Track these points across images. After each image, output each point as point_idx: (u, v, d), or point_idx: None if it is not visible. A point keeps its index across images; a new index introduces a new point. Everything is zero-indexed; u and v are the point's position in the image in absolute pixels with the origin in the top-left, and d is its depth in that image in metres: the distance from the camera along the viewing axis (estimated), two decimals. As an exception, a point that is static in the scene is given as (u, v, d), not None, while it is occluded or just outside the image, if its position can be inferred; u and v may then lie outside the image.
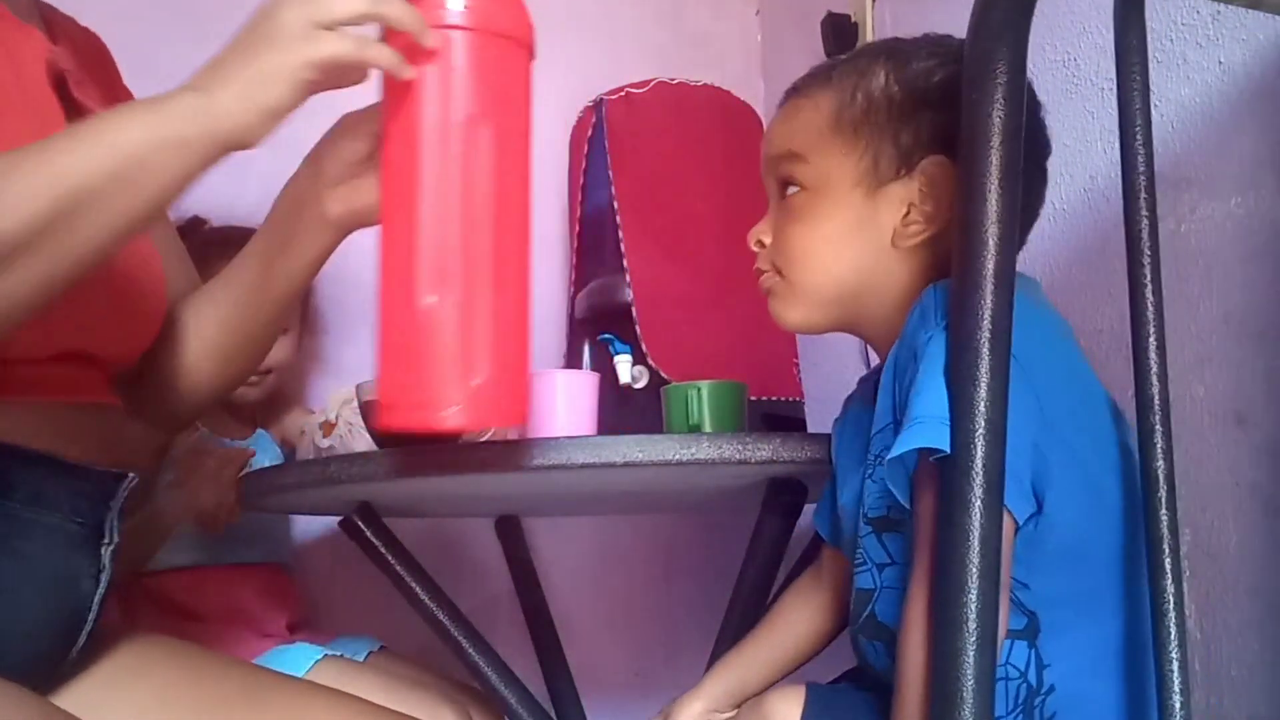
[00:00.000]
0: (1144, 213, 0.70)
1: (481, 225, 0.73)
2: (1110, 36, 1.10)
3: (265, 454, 1.48)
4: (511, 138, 0.78)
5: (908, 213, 0.79)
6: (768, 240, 0.85)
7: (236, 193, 1.48)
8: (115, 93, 0.92)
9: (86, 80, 0.86)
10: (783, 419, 1.44)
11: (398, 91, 0.73)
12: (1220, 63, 0.95)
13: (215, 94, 0.67)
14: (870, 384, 0.91)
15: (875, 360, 0.88)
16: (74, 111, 0.83)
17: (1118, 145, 1.08)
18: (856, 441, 0.87)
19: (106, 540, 0.80)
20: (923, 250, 0.79)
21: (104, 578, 0.80)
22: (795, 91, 0.86)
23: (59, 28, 0.87)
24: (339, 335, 1.72)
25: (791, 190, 0.83)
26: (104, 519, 0.80)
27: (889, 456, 0.67)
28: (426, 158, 0.71)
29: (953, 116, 0.76)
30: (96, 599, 0.79)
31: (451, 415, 0.70)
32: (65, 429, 0.78)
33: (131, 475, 0.84)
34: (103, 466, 0.81)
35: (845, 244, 0.80)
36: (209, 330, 0.91)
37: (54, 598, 0.76)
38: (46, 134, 0.74)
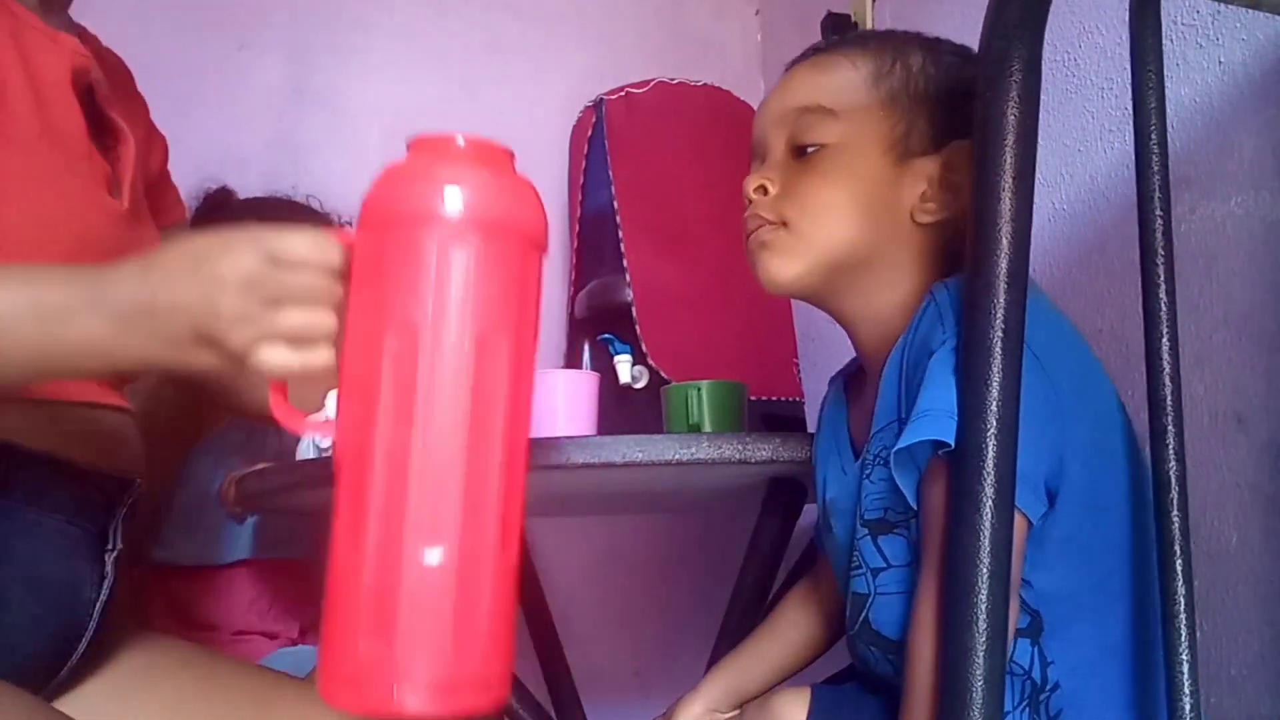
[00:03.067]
0: (1158, 213, 0.69)
1: (489, 464, 0.60)
2: (1111, 37, 1.10)
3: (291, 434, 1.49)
4: (522, 355, 0.64)
5: (926, 189, 0.77)
6: (774, 189, 0.79)
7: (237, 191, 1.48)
8: (137, 112, 0.92)
9: (114, 98, 0.86)
10: (783, 419, 1.44)
11: (373, 292, 0.61)
12: (1220, 63, 0.95)
13: (130, 326, 0.62)
14: (840, 380, 0.91)
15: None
16: (100, 123, 0.84)
17: (1118, 145, 1.09)
18: (835, 440, 0.87)
19: (110, 546, 0.80)
20: (932, 232, 0.78)
21: (106, 585, 0.79)
22: (824, 50, 0.82)
23: (90, 45, 0.88)
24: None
25: (811, 149, 0.79)
26: (108, 525, 0.80)
27: (896, 448, 0.67)
28: (422, 378, 0.59)
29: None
30: (98, 606, 0.78)
31: (432, 698, 0.58)
32: (70, 430, 0.77)
33: (137, 481, 0.83)
34: (108, 470, 0.80)
35: (866, 208, 0.77)
36: None
37: (52, 602, 0.75)
38: (58, 140, 0.74)
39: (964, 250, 0.77)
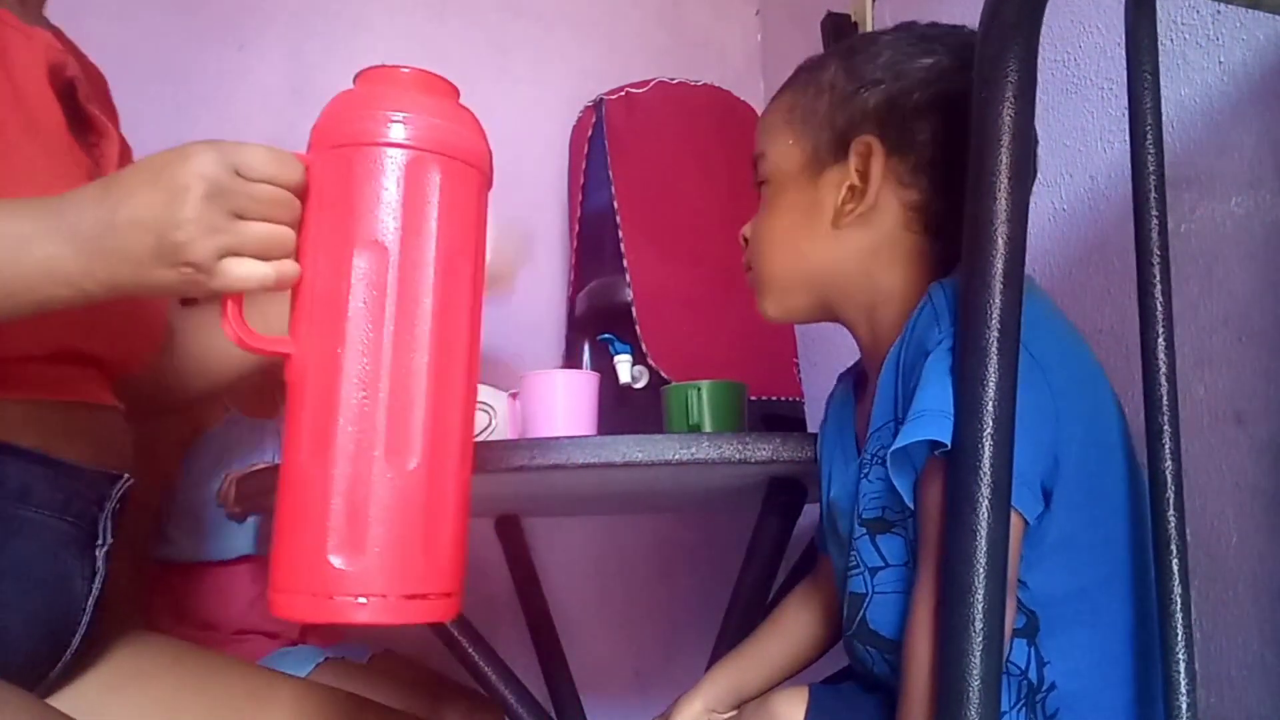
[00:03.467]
0: (1154, 213, 0.69)
1: (454, 380, 0.63)
2: (1110, 36, 1.10)
3: None
4: (477, 280, 0.66)
5: (849, 195, 0.80)
6: (749, 234, 0.88)
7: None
8: (114, 118, 0.92)
9: (93, 96, 0.86)
10: (783, 419, 1.44)
11: (333, 211, 0.62)
12: (1220, 63, 0.95)
13: (91, 248, 0.61)
14: (850, 378, 0.91)
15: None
16: (80, 120, 0.83)
17: (1118, 145, 1.09)
18: (841, 437, 0.87)
19: (100, 541, 0.80)
20: (862, 230, 0.80)
21: (98, 580, 0.79)
22: (773, 96, 0.89)
23: (66, 45, 0.88)
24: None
25: (763, 188, 0.86)
26: (97, 519, 0.79)
27: (892, 448, 0.67)
28: (393, 295, 0.60)
29: (890, 94, 0.78)
30: (90, 601, 0.78)
31: (401, 606, 0.59)
32: (58, 428, 0.77)
33: (126, 476, 0.83)
34: (95, 467, 0.80)
35: (797, 232, 0.83)
36: (192, 343, 0.91)
37: (42, 598, 0.75)
38: (39, 135, 0.73)
39: (943, 244, 0.78)
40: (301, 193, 0.62)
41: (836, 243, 0.81)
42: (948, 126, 0.77)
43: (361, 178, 0.60)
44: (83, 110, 0.84)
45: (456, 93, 0.66)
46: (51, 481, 0.76)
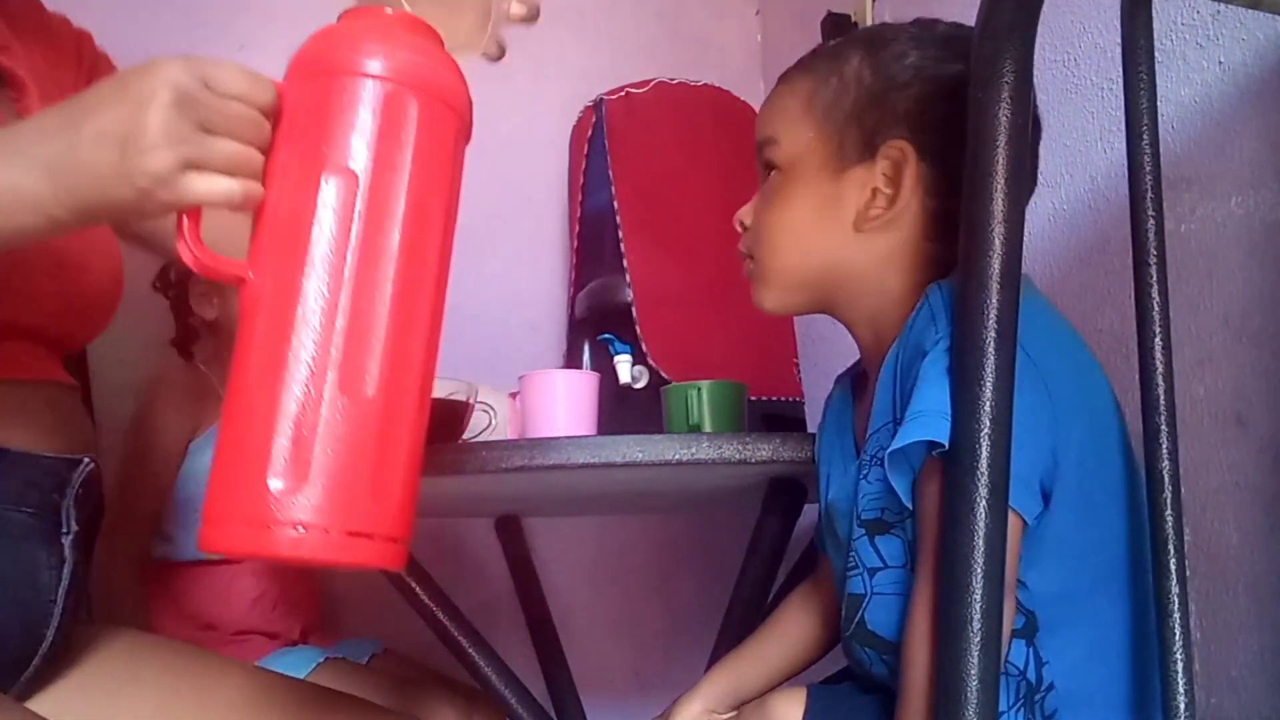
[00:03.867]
0: (1150, 213, 0.69)
1: (417, 319, 0.61)
2: (1109, 37, 1.10)
3: None
4: (448, 227, 0.65)
5: (872, 197, 0.79)
6: (748, 222, 0.85)
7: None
8: (60, 72, 0.88)
9: (18, 48, 0.82)
10: (783, 419, 1.44)
11: (304, 135, 0.61)
12: (1220, 63, 0.95)
13: (55, 167, 0.58)
14: (848, 379, 0.91)
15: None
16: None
17: (1118, 146, 1.09)
18: (840, 438, 0.87)
19: (65, 530, 0.77)
20: (884, 234, 0.79)
21: (66, 570, 0.76)
22: (781, 78, 0.87)
23: (21, 20, 0.85)
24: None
25: (773, 175, 0.84)
26: (59, 507, 0.77)
27: (890, 449, 0.67)
28: (359, 223, 0.59)
29: (921, 100, 0.77)
30: (60, 591, 0.76)
31: (341, 543, 0.56)
32: (9, 413, 0.75)
33: (86, 461, 0.80)
34: (52, 453, 0.77)
35: (810, 227, 0.81)
36: None
37: (6, 593, 0.73)
38: None
39: (953, 249, 0.78)
40: (273, 116, 0.60)
41: (853, 244, 0.79)
42: None
43: (337, 105, 0.59)
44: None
45: (440, 39, 0.65)
46: (7, 472, 0.73)
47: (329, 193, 0.58)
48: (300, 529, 0.55)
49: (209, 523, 0.57)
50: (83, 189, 0.58)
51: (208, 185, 0.57)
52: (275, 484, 0.55)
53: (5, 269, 0.69)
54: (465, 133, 0.66)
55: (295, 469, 0.55)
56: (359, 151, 0.59)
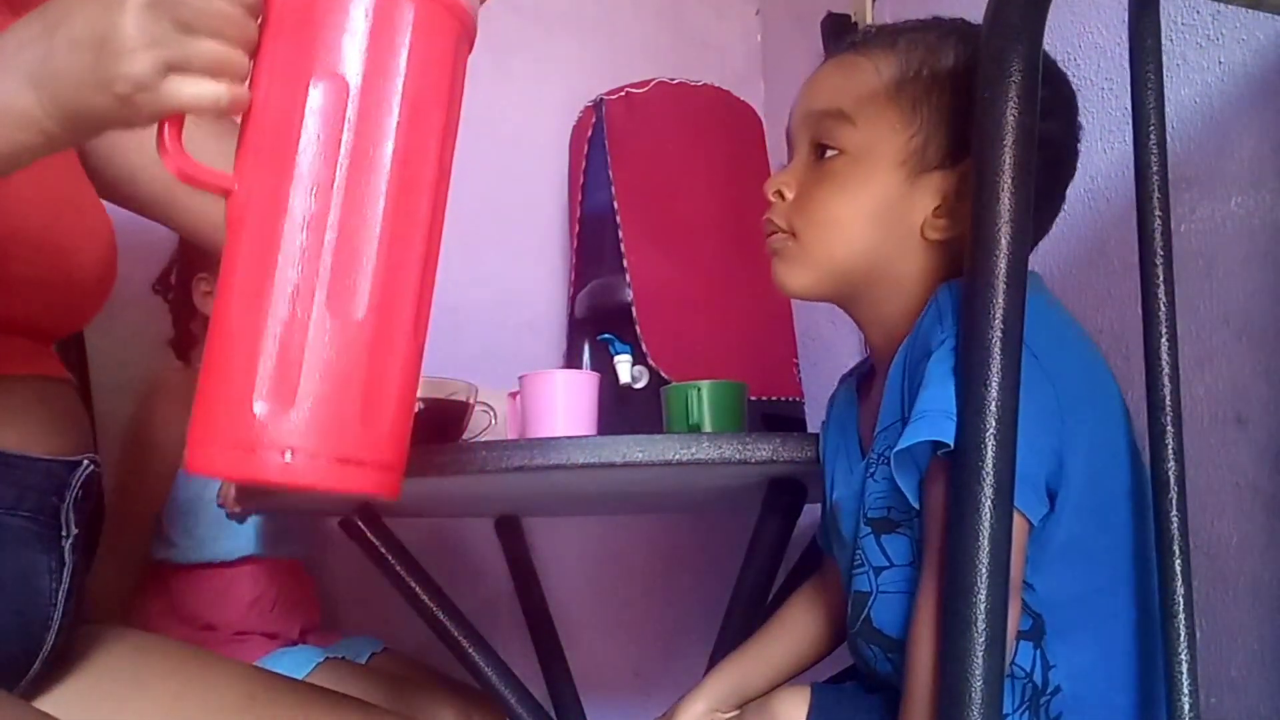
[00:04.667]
0: (1157, 213, 0.69)
1: (411, 237, 0.58)
2: (1111, 36, 1.10)
3: None
4: (446, 144, 0.61)
5: (939, 205, 0.75)
6: (790, 194, 0.79)
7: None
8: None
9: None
10: (783, 419, 1.44)
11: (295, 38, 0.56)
12: (1220, 63, 0.95)
13: (34, 74, 0.55)
14: (853, 379, 0.91)
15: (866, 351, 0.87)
16: None
17: (1118, 145, 1.09)
18: (844, 438, 0.87)
19: (65, 533, 0.76)
20: (943, 248, 0.76)
21: (66, 573, 0.75)
22: (854, 48, 0.80)
23: None
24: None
25: (830, 153, 0.78)
26: (59, 511, 0.76)
27: (895, 449, 0.67)
28: (349, 134, 0.56)
29: None
30: (60, 595, 0.74)
31: (329, 468, 0.54)
32: (7, 414, 0.73)
33: (86, 463, 0.79)
34: (50, 455, 0.76)
35: (874, 221, 0.76)
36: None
37: (6, 599, 0.72)
38: None
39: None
40: (259, 14, 0.57)
41: (908, 249, 0.76)
42: (1047, 166, 0.71)
43: (326, 5, 0.56)
44: None
45: None
46: (5, 477, 0.72)
47: (317, 98, 0.55)
48: (288, 454, 0.53)
49: (194, 445, 0.55)
50: (65, 99, 0.54)
51: (192, 89, 0.54)
52: (260, 407, 0.53)
53: None
54: (467, 40, 0.63)
55: (281, 392, 0.53)
56: (350, 55, 0.55)
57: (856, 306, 0.82)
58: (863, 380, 0.89)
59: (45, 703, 0.76)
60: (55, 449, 0.77)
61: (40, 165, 0.60)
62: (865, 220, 0.77)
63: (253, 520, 1.39)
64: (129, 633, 0.88)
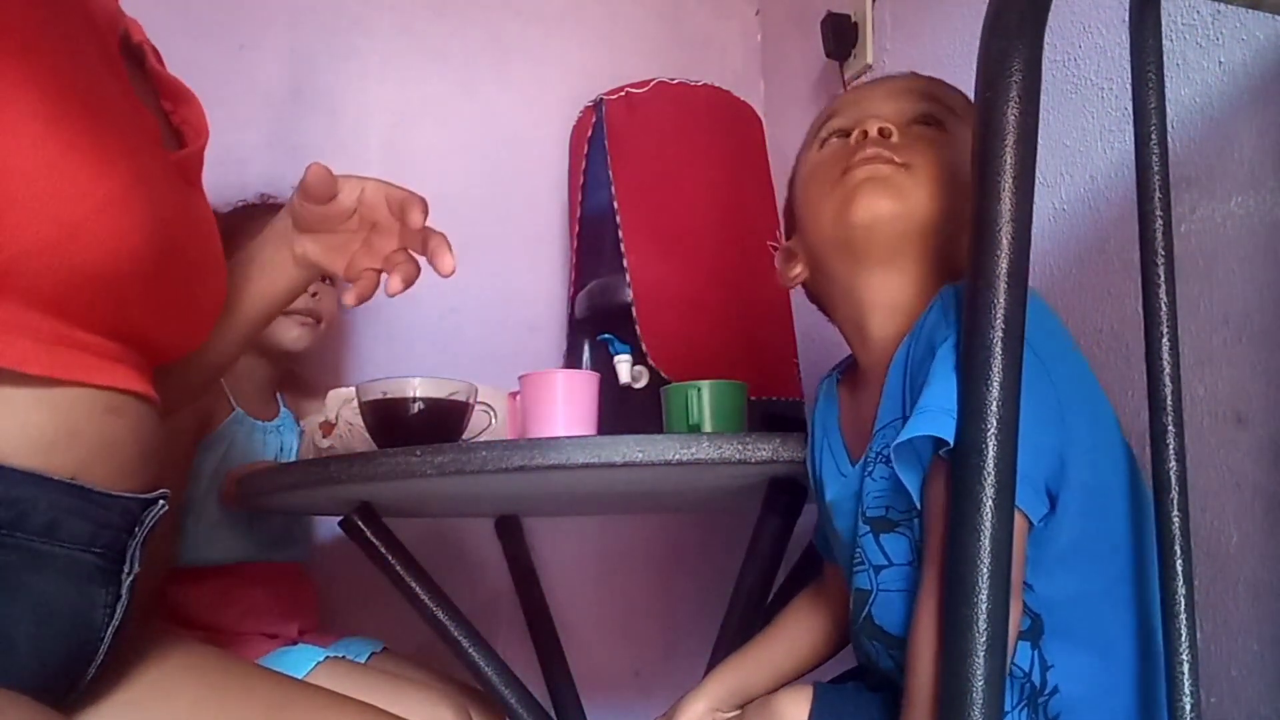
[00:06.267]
0: (1158, 213, 0.69)
1: None
2: (1111, 36, 1.10)
3: (290, 433, 1.50)
4: None
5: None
6: (897, 138, 0.83)
7: (236, 192, 1.48)
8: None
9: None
10: (783, 419, 1.44)
11: None
12: (1220, 63, 0.95)
13: None
14: (833, 378, 0.91)
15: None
16: (144, 77, 0.82)
17: (1118, 145, 1.09)
18: (827, 437, 0.87)
19: (127, 570, 0.75)
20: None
21: (120, 608, 0.74)
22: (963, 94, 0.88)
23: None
24: (361, 334, 1.72)
25: (933, 125, 0.84)
26: (126, 548, 0.75)
27: (894, 443, 0.67)
28: None
29: None
30: (110, 631, 0.74)
31: None
32: (92, 446, 0.71)
33: (161, 502, 0.78)
34: (131, 493, 0.75)
35: (955, 194, 0.80)
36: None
37: (60, 634, 0.70)
38: (86, 87, 0.70)
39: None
40: None
41: (956, 241, 0.78)
42: None
43: None
44: (151, 70, 0.84)
45: None
46: (81, 513, 0.71)
47: None
48: None
49: None
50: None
51: None
52: None
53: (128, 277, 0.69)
54: None
55: None
56: None
57: (883, 272, 0.82)
58: (841, 379, 0.90)
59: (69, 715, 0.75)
60: (136, 485, 0.76)
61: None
62: (954, 189, 0.80)
63: (253, 523, 1.39)
64: (151, 637, 0.85)
